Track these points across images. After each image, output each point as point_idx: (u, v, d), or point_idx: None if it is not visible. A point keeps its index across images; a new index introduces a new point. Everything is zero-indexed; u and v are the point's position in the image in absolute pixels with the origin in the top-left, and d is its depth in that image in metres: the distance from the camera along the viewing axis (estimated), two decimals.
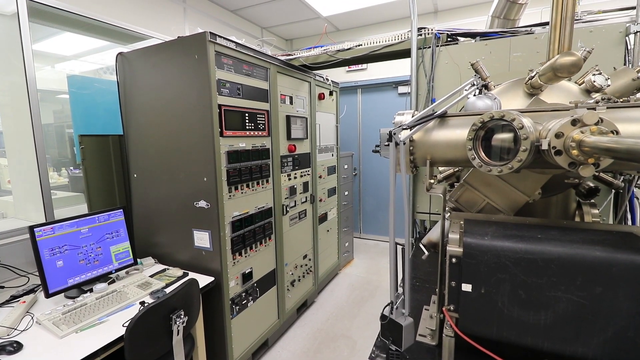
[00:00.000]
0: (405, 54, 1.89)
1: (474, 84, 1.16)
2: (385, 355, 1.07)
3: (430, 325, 1.25)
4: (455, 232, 0.97)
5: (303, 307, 2.96)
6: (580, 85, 1.13)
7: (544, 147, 0.75)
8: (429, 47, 1.68)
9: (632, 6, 1.38)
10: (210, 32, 1.71)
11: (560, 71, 0.88)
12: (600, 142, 0.58)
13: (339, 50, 2.13)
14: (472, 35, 1.63)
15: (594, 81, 1.07)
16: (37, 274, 1.58)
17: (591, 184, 1.26)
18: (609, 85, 1.08)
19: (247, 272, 2.11)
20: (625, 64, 1.41)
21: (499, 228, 0.96)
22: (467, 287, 0.91)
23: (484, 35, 1.61)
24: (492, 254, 0.86)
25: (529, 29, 1.56)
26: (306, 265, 2.95)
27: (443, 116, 0.98)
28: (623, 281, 0.75)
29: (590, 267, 0.78)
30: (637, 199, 1.48)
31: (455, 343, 0.97)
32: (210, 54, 1.74)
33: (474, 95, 1.14)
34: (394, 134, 0.95)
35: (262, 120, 2.22)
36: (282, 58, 2.36)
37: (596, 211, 1.23)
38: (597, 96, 1.10)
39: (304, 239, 2.91)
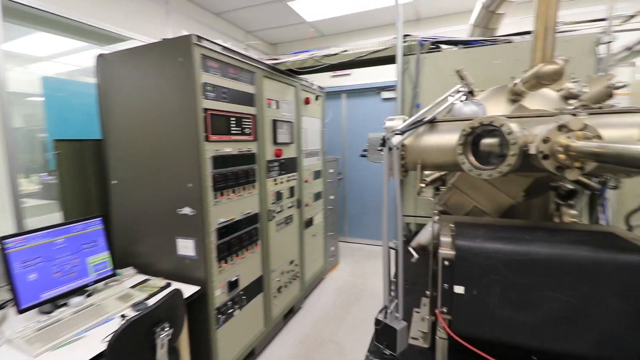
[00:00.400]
0: (390, 60, 1.93)
1: (460, 90, 1.20)
2: None
3: (422, 328, 1.26)
4: (446, 235, 0.99)
5: (290, 313, 2.93)
6: (558, 92, 1.19)
7: (532, 151, 0.78)
8: (414, 54, 1.72)
9: (603, 18, 1.47)
10: (196, 35, 1.67)
11: (544, 79, 0.92)
12: (588, 146, 0.60)
13: (325, 56, 2.14)
14: (454, 42, 1.68)
15: (572, 89, 1.12)
16: (7, 288, 1.48)
17: (570, 186, 1.31)
18: (585, 93, 1.14)
19: (233, 280, 2.07)
20: (597, 73, 1.50)
21: (488, 230, 0.98)
22: (459, 289, 0.93)
23: (466, 43, 1.66)
24: (483, 256, 0.88)
25: (508, 37, 1.63)
26: (293, 270, 2.92)
27: (433, 121, 1.00)
28: (608, 280, 0.78)
29: (577, 266, 0.81)
30: (607, 199, 1.56)
31: (447, 344, 0.98)
32: (195, 57, 1.70)
33: (460, 101, 1.17)
34: (387, 139, 0.96)
35: (249, 125, 2.19)
36: (269, 62, 2.36)
37: (575, 212, 1.29)
38: (574, 103, 1.15)
39: (290, 245, 2.88)
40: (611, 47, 1.43)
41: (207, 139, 1.81)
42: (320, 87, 3.37)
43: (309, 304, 3.23)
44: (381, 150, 1.08)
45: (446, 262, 0.94)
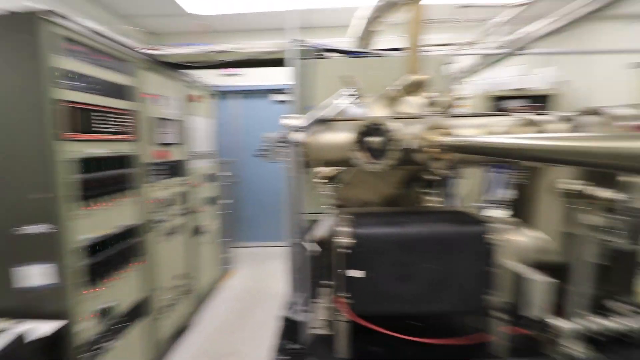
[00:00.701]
0: (282, 62, 1.98)
1: (349, 94, 1.32)
2: (288, 357, 1.07)
3: (324, 317, 1.32)
4: (344, 226, 1.07)
5: (182, 331, 2.65)
6: (423, 99, 1.44)
7: (411, 146, 0.93)
8: (307, 58, 1.81)
9: (450, 43, 1.87)
10: (46, 9, 1.35)
11: (417, 87, 1.11)
12: (456, 141, 0.76)
13: (217, 52, 2.03)
14: (342, 52, 1.86)
15: (432, 97, 1.38)
16: None
17: (433, 176, 1.60)
18: (441, 102, 1.41)
19: (107, 306, 1.74)
20: (442, 88, 1.89)
21: (378, 218, 1.11)
22: (357, 273, 1.01)
23: (353, 54, 1.85)
24: (378, 241, 0.98)
25: (384, 52, 1.89)
26: (183, 285, 2.66)
27: (333, 120, 1.08)
28: (461, 247, 0.98)
29: (442, 240, 0.99)
30: (456, 186, 2.00)
31: (347, 326, 1.05)
32: (44, 35, 1.38)
33: (350, 104, 1.29)
34: (290, 136, 0.98)
35: (127, 122, 1.90)
36: (150, 52, 2.09)
37: (437, 198, 1.58)
38: (433, 109, 1.42)
39: (180, 256, 2.62)
40: (454, 67, 1.82)
41: (68, 138, 1.48)
42: (210, 86, 3.19)
43: (205, 317, 3.00)
44: (282, 148, 1.10)
45: (345, 250, 1.01)
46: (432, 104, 1.36)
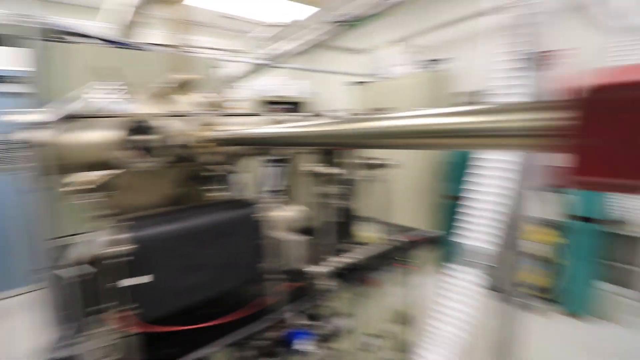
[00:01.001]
0: (6, 41, 1.44)
1: (111, 88, 1.18)
2: None
3: (104, 342, 1.14)
4: (120, 234, 0.97)
5: None
6: (194, 98, 1.48)
7: (183, 143, 0.96)
8: (49, 40, 1.42)
9: (218, 48, 1.99)
10: None
11: (185, 86, 1.14)
12: (225, 134, 0.86)
13: None
14: (98, 39, 1.57)
15: (207, 96, 1.45)
16: None
17: (211, 172, 1.68)
18: (213, 102, 1.51)
19: None
20: (211, 90, 1.99)
21: (157, 218, 1.06)
22: (143, 279, 0.95)
23: (110, 42, 1.60)
24: (160, 241, 0.96)
25: (147, 45, 1.75)
26: None
27: (91, 117, 0.94)
28: (237, 230, 1.11)
29: (219, 226, 1.07)
30: (240, 179, 2.19)
31: (137, 340, 0.97)
32: None
33: (111, 98, 1.16)
34: (30, 136, 0.79)
35: None
36: None
37: (219, 193, 1.67)
38: (206, 108, 1.49)
39: None
40: (223, 71, 1.97)
41: None
42: None
43: None
44: (13, 153, 0.86)
45: (126, 258, 0.93)
46: (204, 103, 1.44)
